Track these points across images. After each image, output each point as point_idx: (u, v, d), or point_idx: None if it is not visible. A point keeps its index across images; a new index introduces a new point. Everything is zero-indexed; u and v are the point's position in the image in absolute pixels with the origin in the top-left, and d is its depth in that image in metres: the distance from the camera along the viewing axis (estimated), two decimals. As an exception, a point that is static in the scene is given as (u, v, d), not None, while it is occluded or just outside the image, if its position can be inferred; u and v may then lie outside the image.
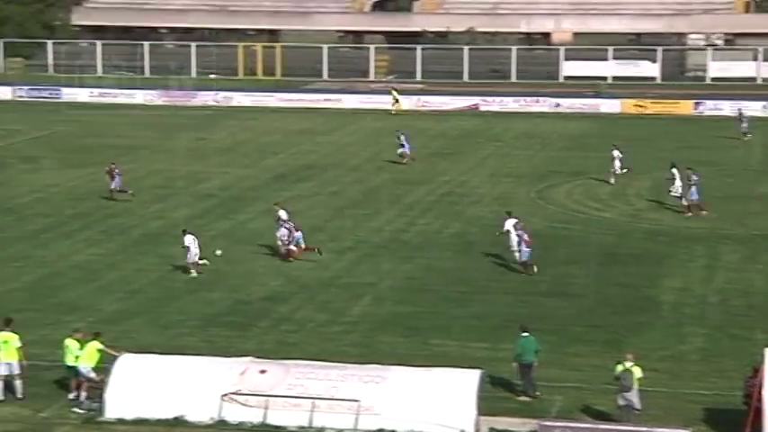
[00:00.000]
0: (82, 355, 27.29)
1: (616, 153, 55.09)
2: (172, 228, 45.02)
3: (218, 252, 39.79)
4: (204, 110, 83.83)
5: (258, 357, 27.49)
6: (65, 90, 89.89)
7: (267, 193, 52.61)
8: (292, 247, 40.49)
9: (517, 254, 39.48)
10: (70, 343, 27.71)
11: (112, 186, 50.43)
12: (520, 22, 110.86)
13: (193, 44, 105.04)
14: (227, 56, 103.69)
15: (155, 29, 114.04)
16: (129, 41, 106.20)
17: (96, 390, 26.80)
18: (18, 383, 27.55)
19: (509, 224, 40.84)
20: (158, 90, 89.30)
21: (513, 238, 39.98)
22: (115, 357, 26.98)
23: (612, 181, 54.37)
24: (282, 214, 41.33)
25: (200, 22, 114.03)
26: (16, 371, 27.56)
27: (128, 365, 26.61)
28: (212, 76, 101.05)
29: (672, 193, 49.17)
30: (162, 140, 68.56)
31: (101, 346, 27.44)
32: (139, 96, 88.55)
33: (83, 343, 27.59)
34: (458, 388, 25.53)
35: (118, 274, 39.01)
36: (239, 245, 42.53)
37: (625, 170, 54.81)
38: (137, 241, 43.57)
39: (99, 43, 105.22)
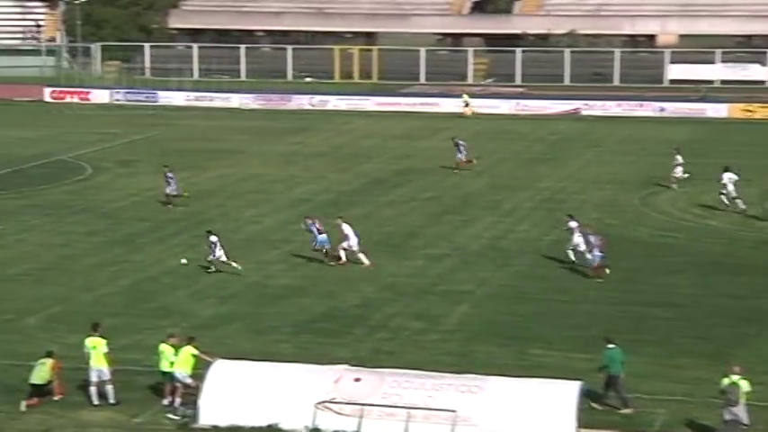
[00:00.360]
0: (177, 361, 27.62)
1: (678, 158, 54.79)
2: (268, 232, 45.47)
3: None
4: (300, 114, 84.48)
5: (353, 365, 27.58)
6: (161, 93, 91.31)
7: (363, 199, 52.86)
8: (327, 249, 40.97)
9: (588, 256, 39.67)
10: (165, 348, 28.05)
11: (168, 191, 50.93)
12: (624, 24, 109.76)
13: (289, 47, 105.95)
14: (324, 59, 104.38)
15: (251, 32, 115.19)
16: (225, 45, 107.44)
17: (191, 396, 27.12)
18: (109, 389, 27.92)
19: (573, 226, 41.16)
20: (254, 93, 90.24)
21: (577, 241, 40.26)
22: (209, 363, 27.27)
23: (675, 186, 54.11)
24: (345, 228, 41.40)
25: (296, 24, 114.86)
26: (106, 376, 27.91)
27: (222, 372, 26.86)
28: (308, 79, 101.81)
29: (725, 199, 48.81)
30: (257, 144, 69.25)
31: (195, 352, 27.74)
32: (235, 100, 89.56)
33: (177, 348, 27.94)
34: (557, 400, 25.34)
35: (213, 278, 39.44)
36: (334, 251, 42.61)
37: (687, 175, 54.41)
38: (232, 246, 43.84)
39: (195, 46, 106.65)
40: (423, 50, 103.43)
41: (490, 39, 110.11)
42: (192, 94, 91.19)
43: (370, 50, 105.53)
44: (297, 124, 78.34)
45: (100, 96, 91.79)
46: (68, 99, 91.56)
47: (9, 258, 42.20)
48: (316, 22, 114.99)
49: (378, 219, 48.79)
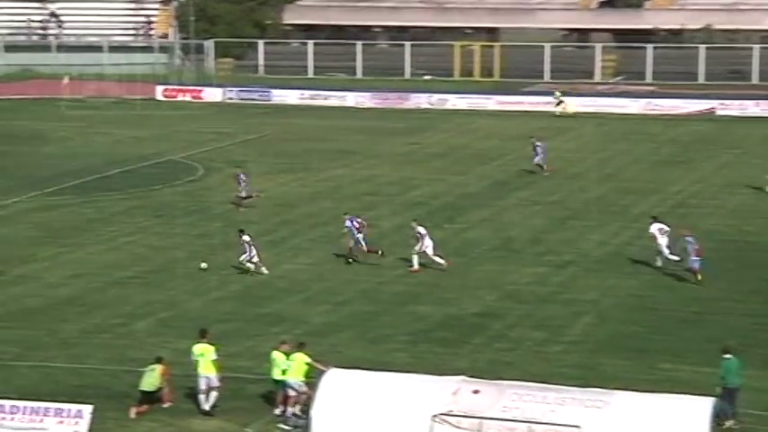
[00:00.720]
0: (291, 369, 27.85)
1: None
2: (382, 237, 45.56)
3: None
4: (417, 113, 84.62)
5: (471, 376, 27.51)
6: (275, 92, 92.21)
7: (483, 202, 52.73)
8: (363, 246, 41.87)
9: (668, 258, 39.90)
10: (277, 356, 28.29)
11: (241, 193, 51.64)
12: (763, 19, 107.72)
13: (407, 43, 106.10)
14: (443, 56, 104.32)
15: (368, 28, 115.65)
16: (341, 41, 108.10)
17: (304, 404, 27.29)
18: (213, 395, 28.26)
19: (654, 228, 41.29)
20: (370, 92, 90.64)
21: (662, 243, 40.47)
22: (322, 372, 27.42)
23: None
24: (421, 230, 41.48)
25: (414, 20, 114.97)
26: (215, 383, 28.29)
27: (335, 381, 26.96)
28: (427, 77, 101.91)
29: None
30: (373, 145, 69.54)
31: (308, 359, 27.95)
32: (351, 98, 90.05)
33: (288, 355, 28.15)
34: (689, 417, 24.92)
35: (326, 284, 39.71)
36: (451, 256, 42.52)
37: None
38: (344, 250, 44.21)
39: (310, 43, 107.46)
40: (547, 47, 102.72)
41: (619, 34, 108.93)
42: (307, 93, 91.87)
43: (491, 47, 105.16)
44: (414, 124, 78.47)
45: (212, 95, 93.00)
46: (181, 97, 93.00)
47: (119, 261, 43.01)
48: (435, 17, 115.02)
49: (499, 223, 48.63)
